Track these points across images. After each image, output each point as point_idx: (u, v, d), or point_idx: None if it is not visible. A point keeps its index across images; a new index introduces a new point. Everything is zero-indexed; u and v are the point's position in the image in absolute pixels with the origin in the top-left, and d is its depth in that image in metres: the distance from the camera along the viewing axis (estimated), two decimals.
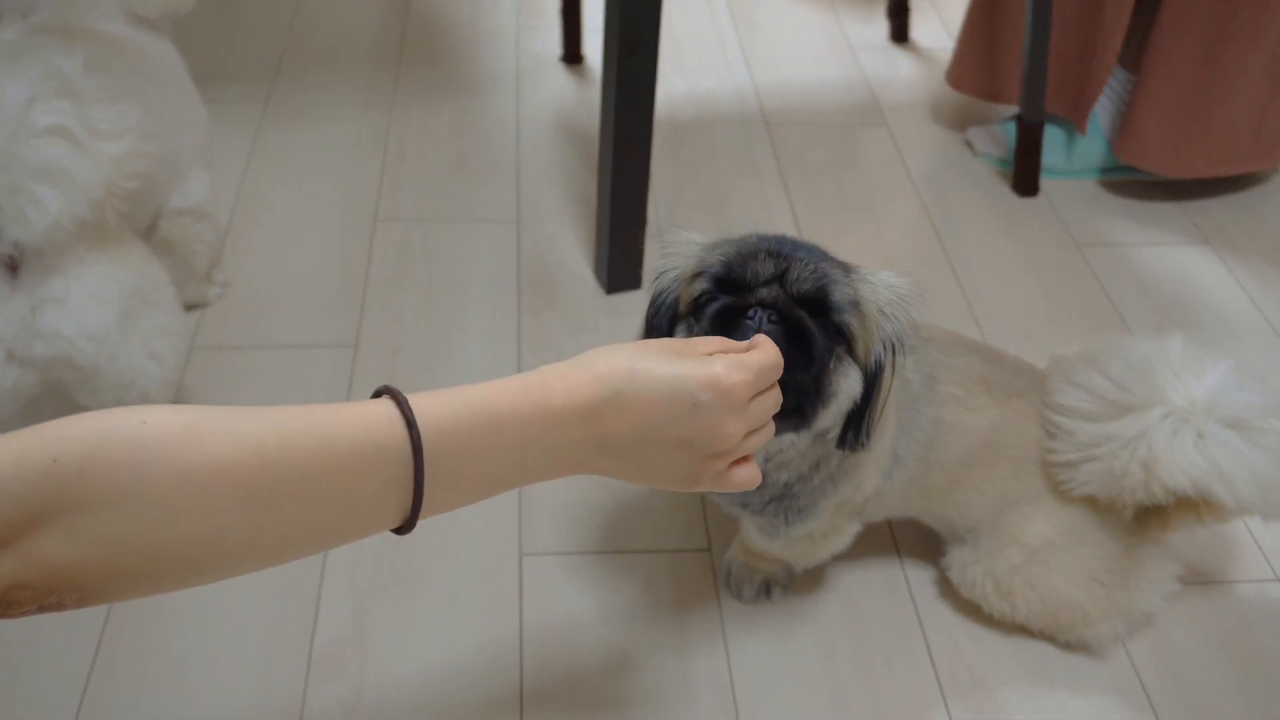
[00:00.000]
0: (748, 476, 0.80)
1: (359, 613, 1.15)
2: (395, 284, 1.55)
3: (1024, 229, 1.73)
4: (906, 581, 1.22)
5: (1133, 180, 1.82)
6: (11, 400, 1.10)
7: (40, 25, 1.20)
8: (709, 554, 1.24)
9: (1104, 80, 1.71)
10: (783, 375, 0.81)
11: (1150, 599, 1.13)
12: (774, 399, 0.81)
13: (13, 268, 1.07)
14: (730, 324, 0.89)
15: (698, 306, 0.92)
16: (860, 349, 0.92)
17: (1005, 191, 1.81)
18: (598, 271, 1.58)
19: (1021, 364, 1.16)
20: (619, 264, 1.54)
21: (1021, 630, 1.16)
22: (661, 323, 0.96)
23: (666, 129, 1.87)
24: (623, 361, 0.74)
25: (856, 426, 0.95)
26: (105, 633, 1.12)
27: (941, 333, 1.13)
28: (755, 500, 1.03)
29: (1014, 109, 1.84)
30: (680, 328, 0.94)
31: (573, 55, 2.05)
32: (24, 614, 0.58)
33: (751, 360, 0.77)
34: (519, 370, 1.43)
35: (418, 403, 0.68)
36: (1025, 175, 1.79)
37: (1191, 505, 1.06)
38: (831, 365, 0.90)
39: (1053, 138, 1.81)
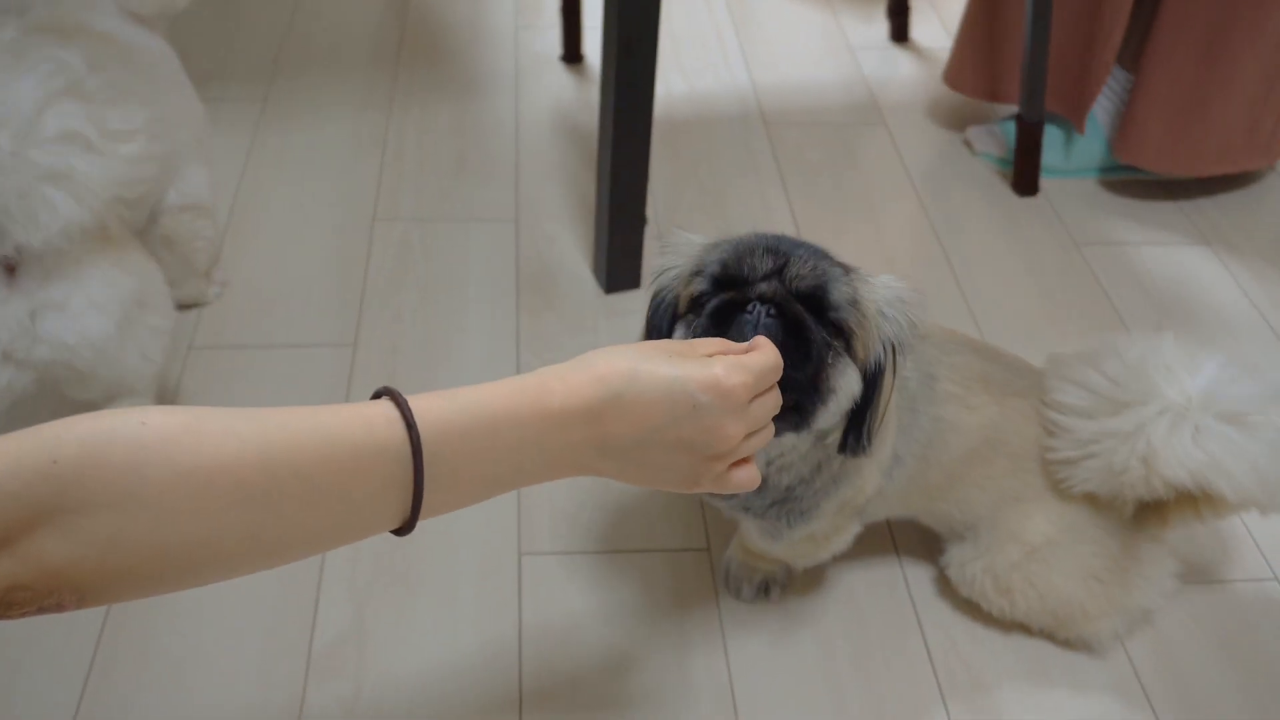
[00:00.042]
0: (747, 477, 0.80)
1: (358, 612, 1.15)
2: (394, 283, 1.55)
3: (1023, 228, 1.73)
4: (905, 581, 1.22)
5: (1132, 180, 1.82)
6: (4, 397, 1.10)
7: (37, 23, 1.19)
8: (708, 553, 1.24)
9: (1103, 79, 1.71)
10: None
11: (1149, 596, 1.13)
12: (774, 400, 0.81)
13: (10, 269, 1.06)
14: (729, 319, 0.89)
15: (697, 305, 0.92)
16: (859, 348, 0.92)
17: (1004, 191, 1.81)
18: (597, 271, 1.58)
19: (1019, 362, 1.16)
20: (618, 264, 1.54)
21: (1020, 629, 1.16)
22: (661, 322, 0.96)
23: (666, 128, 1.87)
24: (624, 363, 0.74)
25: (857, 430, 0.95)
26: (104, 632, 1.12)
27: (939, 331, 1.13)
28: (757, 503, 1.03)
29: (1013, 108, 1.84)
30: (680, 326, 0.94)
31: (572, 55, 2.04)
32: (23, 615, 0.58)
33: (751, 362, 0.78)
34: (518, 370, 1.43)
35: (416, 404, 0.68)
36: (1025, 175, 1.79)
37: (1191, 501, 1.07)
38: (829, 361, 0.90)
39: (1052, 137, 1.81)
